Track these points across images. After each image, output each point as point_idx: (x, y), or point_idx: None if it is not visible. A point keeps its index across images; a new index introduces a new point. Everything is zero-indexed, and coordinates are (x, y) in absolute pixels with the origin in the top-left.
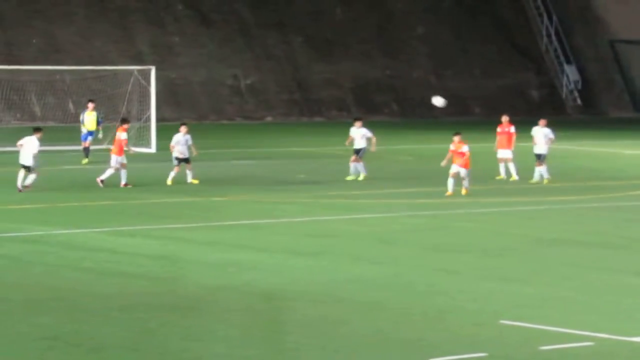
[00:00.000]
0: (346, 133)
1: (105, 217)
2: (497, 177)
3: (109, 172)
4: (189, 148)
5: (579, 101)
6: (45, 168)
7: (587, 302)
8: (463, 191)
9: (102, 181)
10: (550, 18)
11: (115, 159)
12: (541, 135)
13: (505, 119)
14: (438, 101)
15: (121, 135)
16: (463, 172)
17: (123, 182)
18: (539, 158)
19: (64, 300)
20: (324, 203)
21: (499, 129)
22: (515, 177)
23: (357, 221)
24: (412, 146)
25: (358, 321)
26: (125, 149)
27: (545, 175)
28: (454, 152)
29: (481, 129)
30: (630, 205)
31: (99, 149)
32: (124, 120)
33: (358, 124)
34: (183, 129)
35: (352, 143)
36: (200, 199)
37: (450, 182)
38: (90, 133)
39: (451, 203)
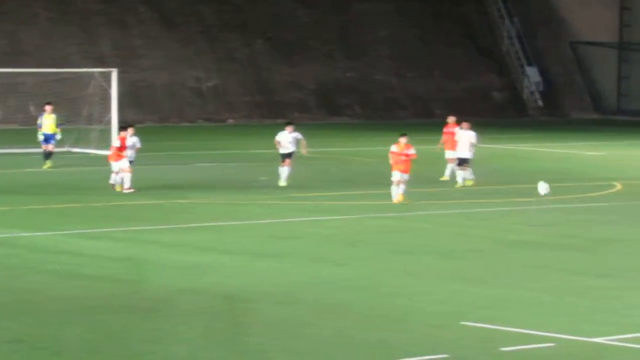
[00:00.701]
0: (309, 135)
1: (69, 220)
2: (441, 178)
3: (125, 177)
4: (135, 151)
5: (540, 103)
6: (6, 171)
7: (548, 304)
8: (401, 197)
9: (126, 188)
10: (511, 20)
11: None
12: (465, 138)
13: (451, 119)
14: (543, 188)
15: (115, 142)
16: (405, 177)
17: (126, 185)
18: (464, 162)
19: (27, 303)
20: (287, 205)
21: (445, 130)
22: (446, 177)
23: (320, 223)
24: (375, 148)
25: (321, 323)
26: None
27: (469, 177)
28: (397, 154)
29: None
30: (591, 206)
31: (61, 152)
32: (122, 128)
33: (289, 129)
34: (130, 130)
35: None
36: (164, 202)
37: (395, 189)
38: (49, 136)
39: (414, 205)
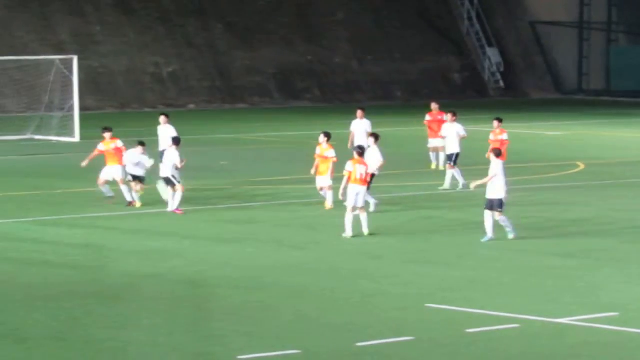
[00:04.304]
0: (269, 119)
1: (29, 207)
2: (432, 167)
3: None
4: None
5: (501, 83)
6: None
7: (511, 285)
8: (327, 206)
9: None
10: (471, 1)
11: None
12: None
13: (435, 106)
14: None
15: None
16: (329, 182)
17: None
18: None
19: None
20: (248, 189)
21: (429, 117)
22: (442, 166)
23: (281, 207)
24: (335, 131)
25: (283, 307)
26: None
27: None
28: (319, 156)
29: (403, 113)
30: (554, 186)
31: (23, 139)
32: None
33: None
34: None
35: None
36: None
37: (325, 193)
38: None
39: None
